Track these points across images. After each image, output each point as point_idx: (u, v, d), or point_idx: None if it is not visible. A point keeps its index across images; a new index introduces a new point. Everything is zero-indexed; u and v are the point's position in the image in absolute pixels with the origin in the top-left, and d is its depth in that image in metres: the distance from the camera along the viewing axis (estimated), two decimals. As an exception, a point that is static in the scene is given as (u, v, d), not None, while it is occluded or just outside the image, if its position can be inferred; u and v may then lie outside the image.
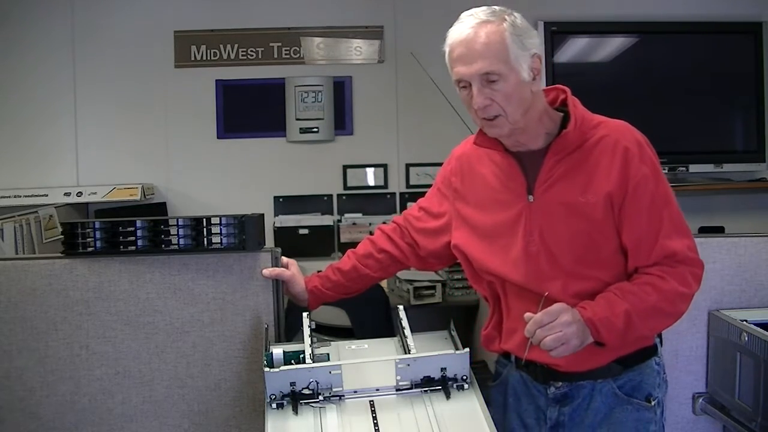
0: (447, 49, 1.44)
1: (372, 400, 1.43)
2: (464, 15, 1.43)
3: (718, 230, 3.37)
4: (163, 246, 1.64)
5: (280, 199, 3.75)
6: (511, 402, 1.58)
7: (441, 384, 1.45)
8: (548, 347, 1.33)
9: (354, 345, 1.64)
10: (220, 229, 1.64)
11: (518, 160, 1.50)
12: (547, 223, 1.45)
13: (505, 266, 1.50)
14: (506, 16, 1.40)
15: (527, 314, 1.36)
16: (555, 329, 1.32)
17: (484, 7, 1.42)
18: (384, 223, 1.80)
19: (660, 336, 1.57)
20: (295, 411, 1.39)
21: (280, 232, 3.67)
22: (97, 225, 1.64)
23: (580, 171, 1.43)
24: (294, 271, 1.69)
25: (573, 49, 3.72)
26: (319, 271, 1.75)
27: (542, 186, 1.45)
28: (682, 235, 1.43)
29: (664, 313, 1.42)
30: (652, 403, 1.49)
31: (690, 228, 1.47)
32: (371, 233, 1.78)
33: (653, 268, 1.42)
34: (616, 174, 1.40)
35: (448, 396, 1.43)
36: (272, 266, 1.66)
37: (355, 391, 1.44)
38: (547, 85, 1.55)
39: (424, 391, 1.44)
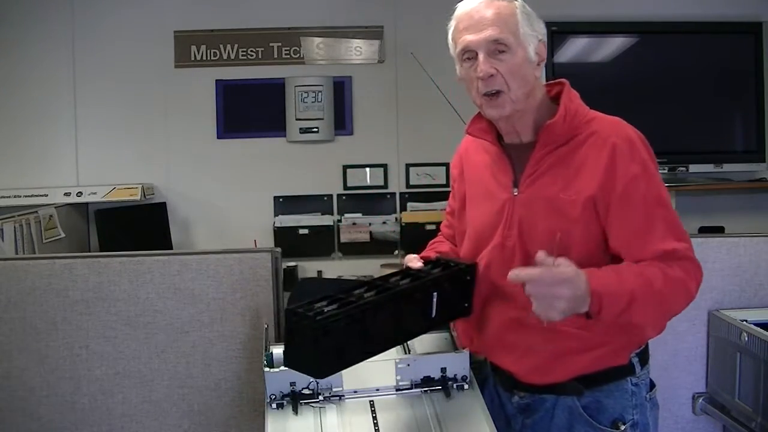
0: (453, 22, 1.40)
1: (372, 400, 1.43)
2: None
3: (718, 230, 3.38)
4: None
5: (280, 199, 3.75)
6: (488, 403, 1.51)
7: (441, 384, 1.45)
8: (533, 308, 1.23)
9: (354, 345, 1.64)
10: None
11: (508, 152, 1.44)
12: (527, 218, 1.38)
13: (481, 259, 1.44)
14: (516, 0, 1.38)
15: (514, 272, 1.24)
16: (545, 298, 1.21)
17: None
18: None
19: (645, 353, 1.45)
20: (295, 411, 1.39)
21: (280, 232, 3.67)
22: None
23: (565, 166, 1.36)
24: None
25: (573, 49, 3.72)
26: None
27: (527, 179, 1.39)
28: (679, 239, 1.32)
29: (663, 304, 1.31)
30: (622, 427, 1.39)
31: (687, 230, 1.37)
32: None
33: (653, 260, 1.30)
34: (601, 173, 1.32)
35: (448, 396, 1.43)
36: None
37: (355, 391, 1.44)
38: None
39: (424, 391, 1.44)
